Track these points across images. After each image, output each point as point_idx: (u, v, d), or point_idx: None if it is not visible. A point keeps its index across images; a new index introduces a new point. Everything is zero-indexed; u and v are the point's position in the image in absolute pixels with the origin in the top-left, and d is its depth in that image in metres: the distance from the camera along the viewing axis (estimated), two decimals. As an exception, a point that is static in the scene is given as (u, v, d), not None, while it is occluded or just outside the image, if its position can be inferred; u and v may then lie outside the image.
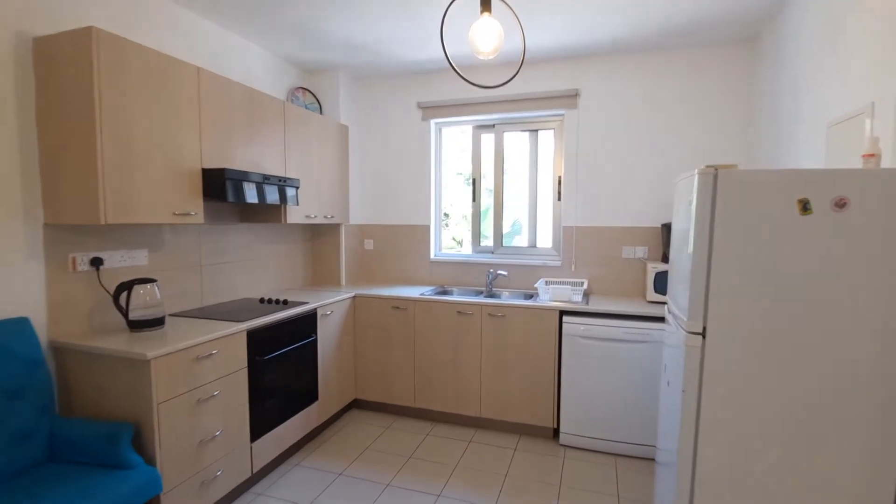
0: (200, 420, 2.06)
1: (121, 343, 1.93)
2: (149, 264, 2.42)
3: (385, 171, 3.87)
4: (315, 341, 2.90)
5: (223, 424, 2.18)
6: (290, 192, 2.84)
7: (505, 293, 3.48)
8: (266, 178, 2.62)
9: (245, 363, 2.32)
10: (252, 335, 2.37)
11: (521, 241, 3.72)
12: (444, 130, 3.84)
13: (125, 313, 2.11)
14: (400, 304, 3.24)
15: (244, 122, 2.60)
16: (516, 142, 3.70)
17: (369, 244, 3.95)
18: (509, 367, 3.01)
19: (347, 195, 3.67)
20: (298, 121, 3.07)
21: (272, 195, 2.68)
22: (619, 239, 3.30)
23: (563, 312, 2.92)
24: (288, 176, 2.89)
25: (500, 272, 3.45)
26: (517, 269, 3.54)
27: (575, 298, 3.02)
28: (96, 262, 2.14)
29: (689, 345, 1.53)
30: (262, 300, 2.93)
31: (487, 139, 3.75)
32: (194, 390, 2.03)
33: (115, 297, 2.10)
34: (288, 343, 2.65)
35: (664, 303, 2.94)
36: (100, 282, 2.17)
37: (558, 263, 3.44)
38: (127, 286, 2.12)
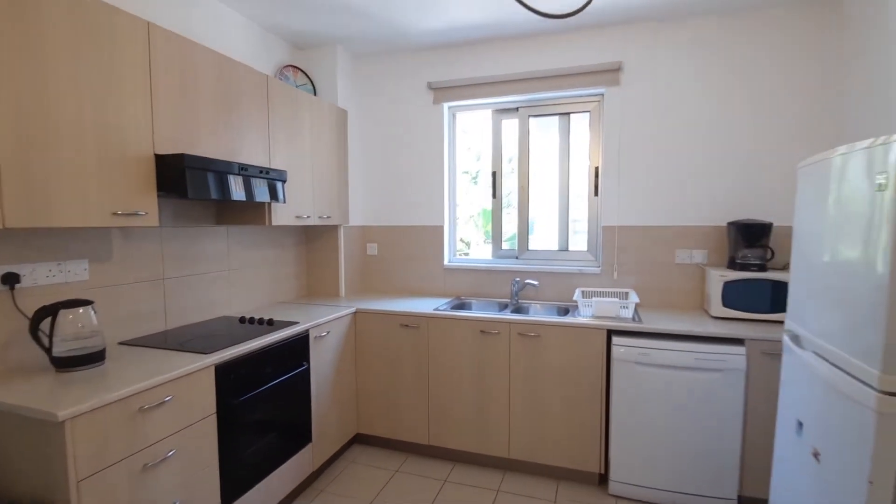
0: (149, 491, 1.52)
1: (32, 391, 1.40)
2: (90, 279, 1.89)
3: (391, 164, 3.33)
4: (307, 371, 2.36)
5: (183, 492, 1.65)
6: (275, 187, 2.30)
7: (534, 306, 2.94)
8: (243, 169, 2.08)
9: (213, 408, 1.78)
10: (223, 370, 1.83)
11: (540, 242, 3.17)
12: (459, 116, 3.30)
13: (47, 347, 1.58)
14: (410, 322, 2.69)
15: (214, 98, 2.06)
16: (543, 128, 3.16)
17: (372, 249, 3.41)
18: (545, 399, 2.47)
19: (347, 192, 3.14)
20: (286, 101, 2.53)
21: (256, 190, 2.15)
22: (671, 240, 2.76)
23: (611, 332, 2.37)
24: (272, 167, 2.35)
25: (529, 282, 2.90)
26: (547, 277, 3.00)
27: (624, 314, 2.47)
28: (9, 280, 1.60)
29: (886, 412, 0.99)
30: (242, 319, 2.40)
31: (510, 126, 3.21)
32: (138, 454, 1.49)
33: (34, 327, 1.57)
34: (272, 376, 2.11)
35: (736, 319, 2.39)
36: (15, 305, 1.63)
37: (597, 270, 2.89)
38: (49, 311, 1.58)
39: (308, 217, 2.70)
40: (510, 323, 2.50)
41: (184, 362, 1.70)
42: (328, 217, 2.90)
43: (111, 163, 1.63)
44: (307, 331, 2.36)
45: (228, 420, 1.85)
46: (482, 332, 2.55)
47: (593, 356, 2.38)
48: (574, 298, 2.82)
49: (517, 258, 3.18)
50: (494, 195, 3.24)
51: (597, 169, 2.96)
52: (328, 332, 2.54)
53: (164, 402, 1.58)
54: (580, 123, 3.05)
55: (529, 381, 2.49)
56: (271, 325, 2.31)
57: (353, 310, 2.77)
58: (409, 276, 3.32)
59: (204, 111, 2.01)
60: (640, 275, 2.82)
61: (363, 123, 3.37)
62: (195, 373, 1.70)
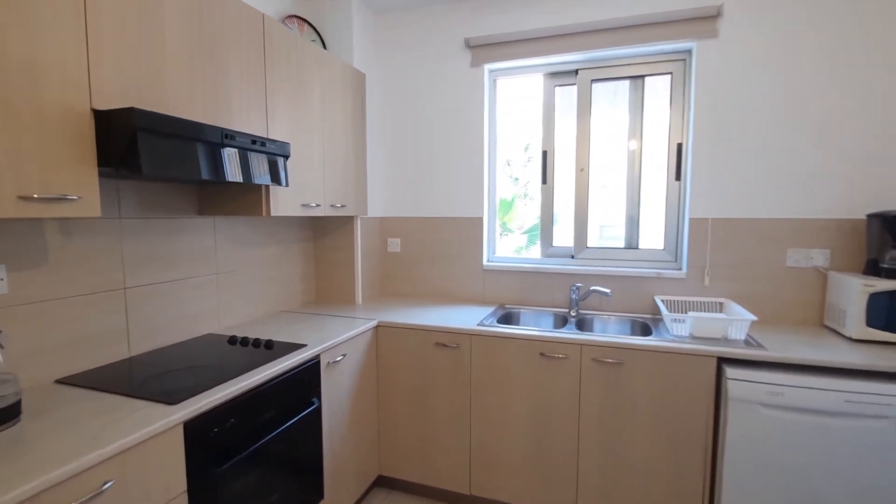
0: None
1: None
2: (11, 294, 1.32)
3: (418, 141, 2.73)
4: (318, 410, 1.79)
5: None
6: (276, 164, 1.72)
7: (602, 319, 2.35)
8: (228, 137, 1.49)
9: (183, 485, 1.22)
10: (197, 429, 1.26)
11: (598, 239, 2.57)
12: (501, 84, 2.69)
13: (-83, 407, 1.01)
14: (448, 340, 2.12)
15: (187, 36, 1.47)
16: (609, 96, 2.54)
17: (394, 245, 2.82)
18: (626, 445, 1.89)
19: (365, 175, 2.54)
20: (289, 51, 1.93)
21: (251, 168, 1.56)
22: (781, 237, 2.15)
23: (722, 360, 1.79)
24: (271, 137, 1.76)
25: (597, 290, 2.29)
26: (612, 281, 2.40)
27: (735, 335, 1.88)
28: None
29: None
30: (233, 340, 1.83)
31: (564, 94, 2.60)
32: (52, 583, 0.93)
33: None
34: (271, 425, 1.54)
35: (888, 343, 1.79)
36: None
37: (680, 274, 2.29)
38: (-81, 351, 1.01)
39: (318, 206, 2.12)
40: (581, 344, 1.91)
41: (137, 421, 1.13)
42: (342, 206, 2.32)
43: (15, 119, 1.05)
44: (318, 356, 1.79)
45: (207, 498, 1.29)
46: (543, 355, 1.97)
47: (697, 392, 1.79)
48: (658, 311, 2.23)
49: (573, 257, 2.59)
50: (545, 180, 2.63)
51: (680, 147, 2.35)
52: (344, 356, 1.97)
53: (104, 490, 1.01)
54: (658, 90, 2.43)
55: (606, 421, 1.91)
56: (270, 348, 1.74)
57: (373, 323, 2.19)
58: (439, 278, 2.74)
59: (172, 53, 1.41)
60: (739, 281, 2.21)
61: (384, 92, 2.77)
62: (153, 438, 1.13)
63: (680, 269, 2.36)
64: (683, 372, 1.80)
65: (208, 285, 1.97)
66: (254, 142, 1.59)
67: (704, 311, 2.23)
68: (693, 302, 2.25)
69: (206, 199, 1.90)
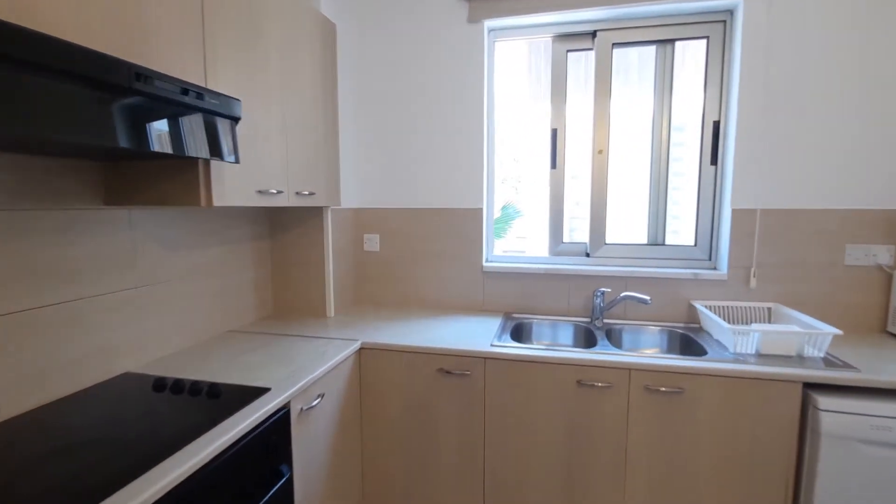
0: None
1: None
2: None
3: (402, 114, 2.22)
4: (289, 483, 1.27)
5: None
6: (215, 129, 1.17)
7: (634, 330, 1.96)
8: (142, 80, 0.94)
9: None
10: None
11: (617, 234, 2.20)
12: (501, 47, 2.23)
13: None
14: (454, 366, 1.65)
15: (69, -85, 0.90)
16: (630, 64, 2.16)
17: (372, 242, 2.31)
18: (688, 495, 1.51)
19: (337, 155, 2.01)
20: (237, -22, 1.38)
21: (180, 132, 1.01)
22: (837, 231, 1.85)
23: (808, 386, 1.44)
24: (210, 88, 1.20)
25: (633, 296, 1.88)
26: (639, 284, 2.03)
27: (811, 352, 1.54)
28: None
29: None
30: (160, 385, 1.28)
31: (579, 60, 2.19)
32: None
33: None
34: (220, 520, 1.02)
35: None
36: None
37: (720, 275, 1.95)
38: None
39: (279, 193, 1.58)
40: (630, 369, 1.51)
41: None
42: (311, 195, 1.78)
43: None
44: (286, 404, 1.27)
45: None
46: (581, 383, 1.55)
47: (778, 426, 1.43)
48: (696, 319, 1.87)
49: (588, 255, 2.19)
50: (554, 164, 2.21)
51: (717, 126, 2.00)
52: (321, 397, 1.45)
53: None
54: (690, 58, 2.07)
55: (660, 463, 1.52)
56: (216, 396, 1.21)
57: (355, 346, 1.69)
58: (427, 281, 2.26)
59: (37, -67, 0.85)
60: (788, 282, 1.90)
61: (360, 49, 2.23)
62: None
63: (718, 269, 2.01)
64: (760, 401, 1.44)
65: (124, 305, 1.39)
66: (185, 91, 1.04)
67: (751, 318, 1.90)
68: (737, 308, 1.91)
69: (117, 183, 1.32)
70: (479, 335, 1.79)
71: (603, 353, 1.58)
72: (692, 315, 1.98)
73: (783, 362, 1.48)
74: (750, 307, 1.91)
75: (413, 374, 1.69)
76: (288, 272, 2.10)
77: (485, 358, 1.62)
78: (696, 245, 2.09)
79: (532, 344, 2.02)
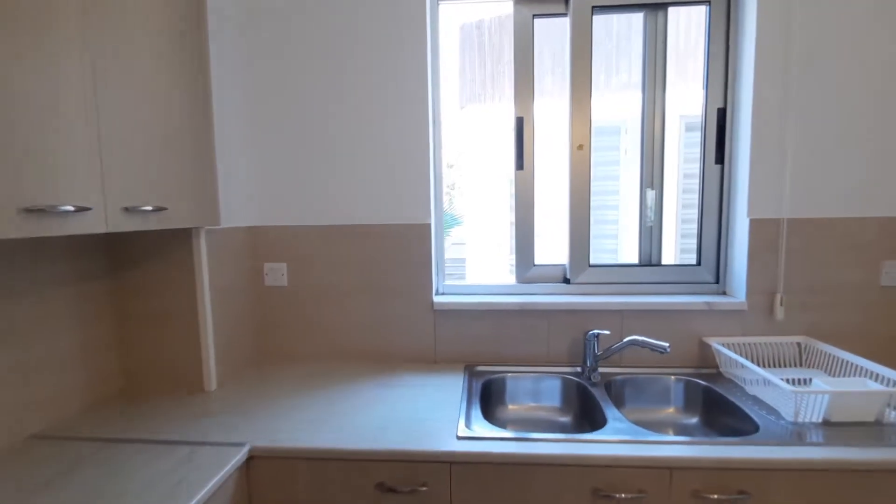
0: None
1: None
2: None
3: (316, 100, 1.58)
4: None
5: None
6: None
7: (639, 383, 1.47)
8: None
9: None
10: None
11: (598, 253, 1.73)
12: (446, 10, 1.68)
13: None
14: (401, 479, 1.05)
15: None
16: (612, 34, 1.70)
17: (276, 273, 1.65)
18: None
19: (212, 156, 1.33)
20: None
21: None
22: (873, 245, 1.49)
23: (916, 474, 1.01)
24: None
25: (645, 343, 1.35)
26: (637, 318, 1.55)
27: (892, 416, 1.13)
28: None
29: None
30: None
31: (548, 29, 1.70)
32: None
33: None
34: None
35: None
36: None
37: (738, 303, 1.51)
38: None
39: (80, 210, 0.89)
40: (672, 468, 1.00)
41: None
42: (157, 210, 1.10)
43: None
44: None
45: None
46: (599, 494, 1.02)
47: (879, 537, 0.99)
48: (712, 362, 1.41)
49: (568, 281, 1.68)
50: (521, 164, 1.69)
51: (722, 113, 1.58)
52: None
53: None
54: (687, 25, 1.64)
55: None
56: None
57: (240, 455, 1.03)
58: (358, 325, 1.64)
59: None
60: (818, 310, 1.51)
61: (255, 22, 1.57)
62: None
63: (732, 294, 1.59)
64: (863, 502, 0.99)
65: None
66: None
67: (780, 359, 1.49)
68: (762, 345, 1.49)
69: None
70: (435, 413, 1.21)
71: (624, 442, 1.06)
72: (705, 355, 1.54)
73: (863, 434, 1.05)
74: (776, 344, 1.50)
75: (337, 496, 1.07)
76: (142, 328, 1.39)
77: (450, 463, 1.04)
78: (699, 264, 1.66)
79: (508, 408, 1.48)
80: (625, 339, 1.38)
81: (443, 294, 1.70)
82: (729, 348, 1.48)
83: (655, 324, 1.55)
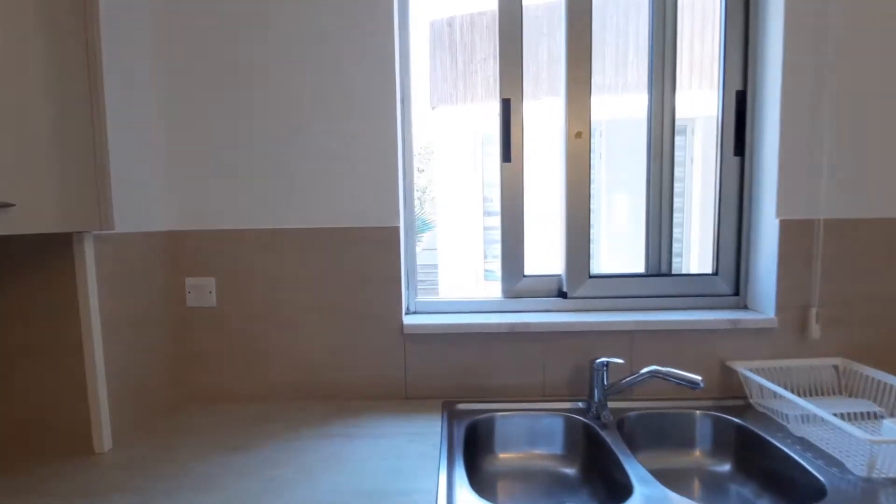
0: None
1: None
2: None
3: (257, 68, 1.25)
4: None
5: None
6: None
7: (655, 420, 1.20)
8: None
9: None
10: None
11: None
12: (415, 2, 1.39)
13: None
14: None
15: None
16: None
17: (202, 291, 1.29)
18: None
19: (103, 135, 0.98)
20: None
21: None
22: (915, 249, 1.28)
23: None
24: None
25: (665, 374, 1.08)
26: (650, 340, 1.29)
27: None
28: None
29: None
30: None
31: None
32: None
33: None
34: None
35: None
36: None
37: (766, 320, 1.27)
38: None
39: None
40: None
41: None
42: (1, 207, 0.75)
43: None
44: None
45: None
46: None
47: None
48: (739, 390, 1.15)
49: (565, 296, 1.41)
50: (508, 155, 1.41)
51: (741, 97, 1.35)
52: None
53: None
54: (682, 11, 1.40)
55: None
56: None
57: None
58: (308, 354, 1.30)
59: None
60: (856, 327, 1.28)
61: (160, -47, 1.23)
62: None
63: (757, 309, 1.35)
64: None
65: None
66: None
67: (817, 386, 1.25)
68: (795, 370, 1.26)
69: None
70: (407, 480, 0.90)
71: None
72: (729, 383, 1.29)
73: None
74: (811, 367, 1.26)
75: None
76: (7, 368, 1.02)
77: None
78: (716, 273, 1.41)
79: (498, 458, 1.18)
80: (643, 371, 1.11)
81: (415, 313, 1.39)
82: (758, 374, 1.23)
83: (670, 346, 1.29)
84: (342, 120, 1.25)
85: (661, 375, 1.07)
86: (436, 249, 6.66)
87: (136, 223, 1.15)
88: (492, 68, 5.90)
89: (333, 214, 1.27)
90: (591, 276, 1.40)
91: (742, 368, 1.24)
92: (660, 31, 1.38)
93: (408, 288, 1.39)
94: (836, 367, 1.27)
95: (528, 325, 1.27)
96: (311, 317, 1.29)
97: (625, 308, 1.39)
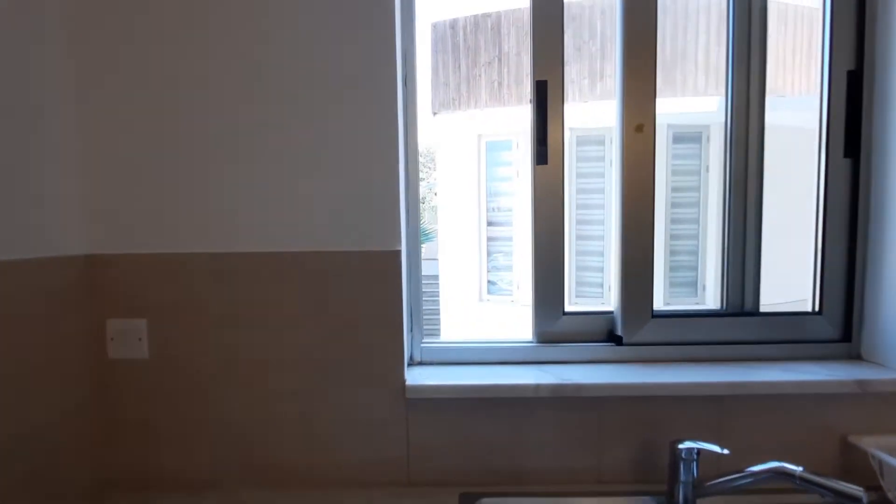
0: None
1: None
2: None
3: (210, 40, 0.92)
4: None
5: None
6: None
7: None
8: None
9: None
10: None
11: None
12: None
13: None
14: None
15: None
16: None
17: (130, 337, 0.94)
18: None
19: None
20: None
21: None
22: None
23: None
24: None
25: (802, 476, 0.70)
26: (741, 406, 0.94)
27: None
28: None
29: None
30: None
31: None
32: None
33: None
34: None
35: None
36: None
37: (891, 378, 0.93)
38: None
39: None
40: None
41: None
42: None
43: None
44: None
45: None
46: None
47: None
48: (871, 476, 0.81)
49: (621, 341, 1.06)
50: (544, 155, 1.06)
51: (855, 79, 1.02)
52: None
53: None
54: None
55: None
56: None
57: None
58: (276, 423, 0.95)
59: None
60: None
61: None
62: None
63: (870, 357, 1.01)
64: None
65: None
66: None
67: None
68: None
69: None
70: None
71: None
72: (852, 464, 0.94)
73: None
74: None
75: None
76: None
77: None
78: (819, 312, 1.07)
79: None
80: (759, 469, 0.75)
81: (420, 364, 1.04)
82: (892, 454, 0.88)
83: (772, 417, 0.95)
84: (326, 112, 0.91)
85: (793, 477, 0.71)
86: (436, 259, 6.33)
87: (32, 246, 0.81)
88: (496, 72, 5.61)
89: (311, 234, 0.93)
90: (654, 315, 1.06)
91: (876, 451, 0.89)
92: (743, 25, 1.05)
93: (411, 331, 1.04)
94: None
95: (578, 386, 0.92)
96: (280, 374, 0.94)
97: (699, 358, 1.04)
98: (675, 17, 4.48)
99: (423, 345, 1.06)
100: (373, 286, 0.93)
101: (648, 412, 0.94)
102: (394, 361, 0.94)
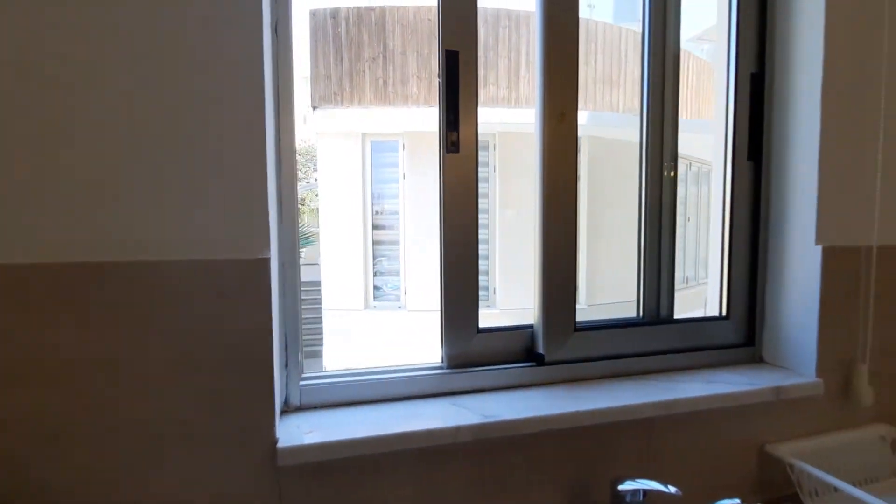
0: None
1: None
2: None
3: None
4: None
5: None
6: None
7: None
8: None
9: None
10: None
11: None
12: None
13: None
14: None
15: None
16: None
17: None
18: None
19: None
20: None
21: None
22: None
23: None
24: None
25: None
26: (669, 425, 0.86)
27: None
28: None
29: None
30: None
31: None
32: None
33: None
34: None
35: None
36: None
37: (809, 383, 0.93)
38: None
39: None
40: None
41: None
42: None
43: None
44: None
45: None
46: None
47: None
48: (805, 485, 0.78)
49: (542, 360, 0.91)
50: (456, 142, 0.88)
51: (757, 80, 1.01)
52: None
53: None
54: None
55: None
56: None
57: None
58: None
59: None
60: None
61: None
62: None
63: (773, 360, 1.00)
64: None
65: None
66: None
67: (865, 463, 0.93)
68: (843, 448, 0.92)
69: None
70: None
71: None
72: (770, 474, 0.91)
73: None
74: (857, 443, 0.94)
75: None
76: None
77: None
78: (727, 317, 1.05)
79: None
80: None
81: (298, 411, 0.78)
82: (806, 459, 0.87)
83: (698, 433, 0.88)
84: (174, 82, 0.61)
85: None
86: (318, 265, 5.90)
87: None
88: (381, 69, 5.39)
89: (145, 237, 0.62)
90: (576, 329, 0.94)
91: (793, 459, 0.86)
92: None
93: (286, 366, 0.77)
94: (883, 439, 0.97)
95: (504, 424, 0.74)
96: (93, 436, 0.61)
97: (620, 372, 0.95)
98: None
99: (302, 383, 0.80)
100: (228, 307, 0.65)
101: (580, 443, 0.81)
102: (259, 412, 0.67)
